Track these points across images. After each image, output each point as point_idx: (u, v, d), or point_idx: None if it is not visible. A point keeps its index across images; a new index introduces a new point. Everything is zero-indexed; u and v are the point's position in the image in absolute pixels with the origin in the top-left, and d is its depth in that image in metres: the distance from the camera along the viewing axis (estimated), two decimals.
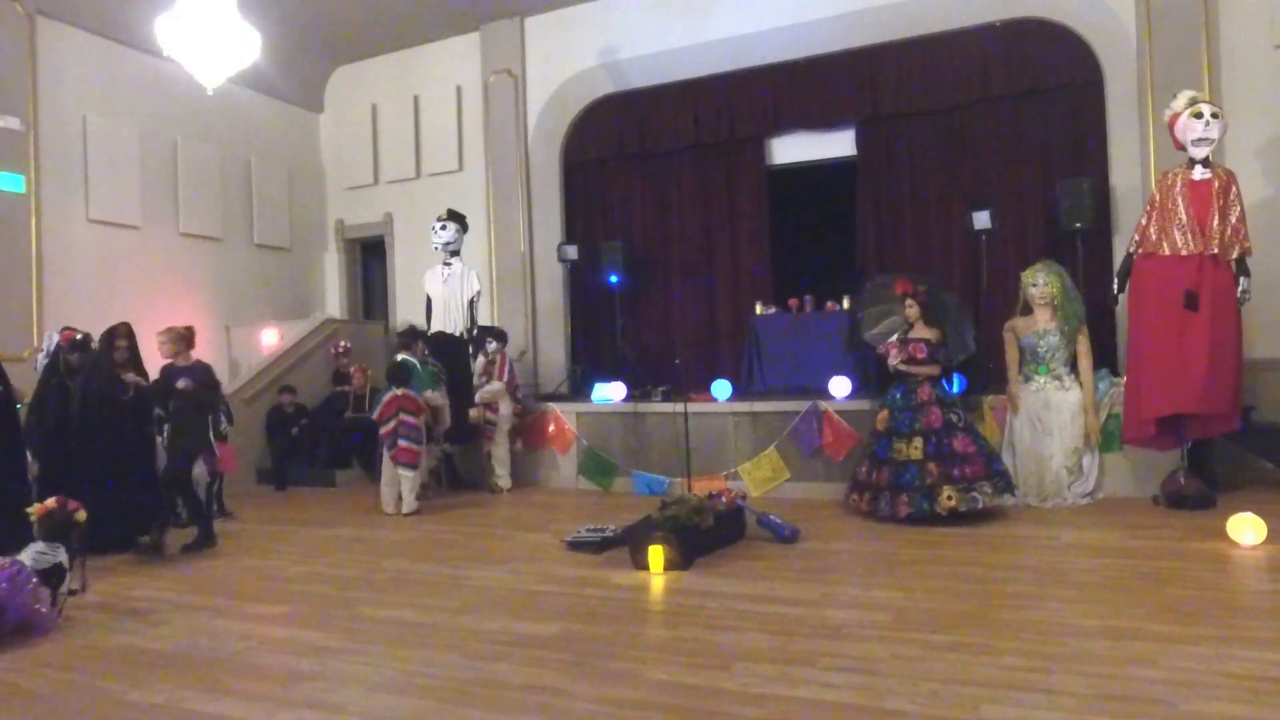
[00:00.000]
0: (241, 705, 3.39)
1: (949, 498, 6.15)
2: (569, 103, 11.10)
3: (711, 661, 3.64)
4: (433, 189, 11.63)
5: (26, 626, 4.28)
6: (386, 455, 7.68)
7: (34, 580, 4.35)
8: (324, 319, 11.48)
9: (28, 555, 4.54)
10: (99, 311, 8.83)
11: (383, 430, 7.64)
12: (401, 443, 7.56)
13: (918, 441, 6.39)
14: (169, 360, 6.80)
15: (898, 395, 6.65)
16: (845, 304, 9.18)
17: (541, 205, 11.24)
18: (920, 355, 6.63)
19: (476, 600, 4.78)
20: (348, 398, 10.16)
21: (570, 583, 5.10)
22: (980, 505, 6.22)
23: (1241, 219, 6.42)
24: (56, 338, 7.34)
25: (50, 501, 4.84)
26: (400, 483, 7.64)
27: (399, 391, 7.67)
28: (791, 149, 10.43)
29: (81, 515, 4.82)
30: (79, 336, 6.79)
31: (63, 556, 4.62)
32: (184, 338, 6.89)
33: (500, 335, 9.19)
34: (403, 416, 7.58)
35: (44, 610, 4.36)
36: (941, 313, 7.12)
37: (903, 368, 6.65)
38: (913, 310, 6.82)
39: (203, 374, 6.76)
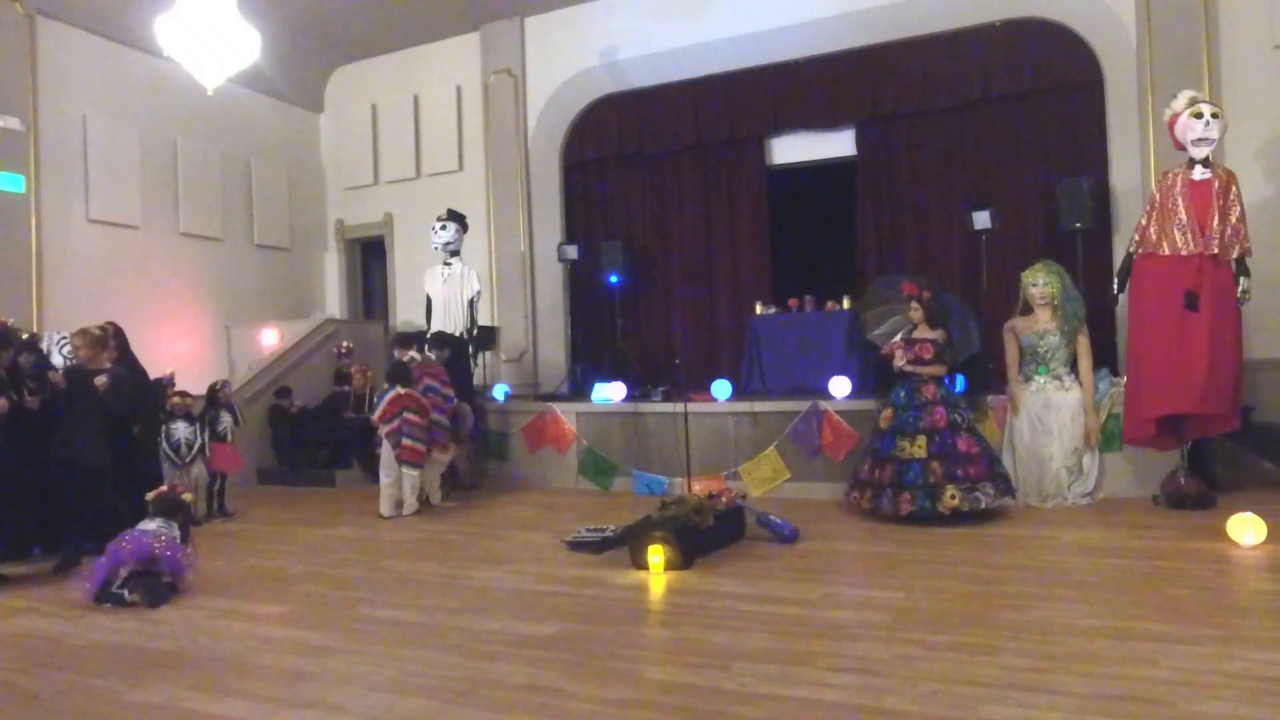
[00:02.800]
0: (241, 705, 3.39)
1: (952, 496, 6.15)
2: (569, 103, 11.11)
3: (711, 661, 3.64)
4: (433, 189, 11.65)
5: (176, 580, 5.08)
6: (389, 455, 7.63)
7: (177, 543, 5.20)
8: (324, 319, 11.48)
9: (151, 526, 5.23)
10: (99, 311, 8.82)
11: (386, 429, 7.59)
12: (406, 441, 7.52)
13: (921, 440, 6.39)
14: (83, 363, 6.25)
15: (902, 394, 6.65)
16: (845, 304, 9.19)
17: (541, 205, 11.25)
18: (927, 355, 6.63)
19: (476, 600, 4.78)
20: (348, 398, 10.16)
21: (570, 583, 5.10)
22: (983, 505, 6.22)
23: (1241, 219, 6.41)
24: (56, 337, 7.34)
25: (163, 487, 5.67)
26: (402, 483, 7.61)
27: (402, 390, 7.65)
28: (791, 149, 10.44)
29: (189, 496, 5.72)
30: (25, 337, 6.70)
31: (176, 531, 5.32)
32: (99, 341, 6.36)
33: (412, 340, 8.56)
34: (407, 415, 7.56)
35: (187, 566, 5.21)
36: (946, 313, 7.12)
37: (909, 368, 6.65)
38: (917, 313, 6.82)
39: (118, 380, 6.29)
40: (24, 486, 5.93)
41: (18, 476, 5.86)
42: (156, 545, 5.06)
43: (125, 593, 4.84)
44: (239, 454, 8.28)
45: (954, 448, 6.33)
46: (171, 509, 5.40)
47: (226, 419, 8.10)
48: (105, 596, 4.85)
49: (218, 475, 7.88)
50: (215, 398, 8.05)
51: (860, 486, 6.67)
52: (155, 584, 4.91)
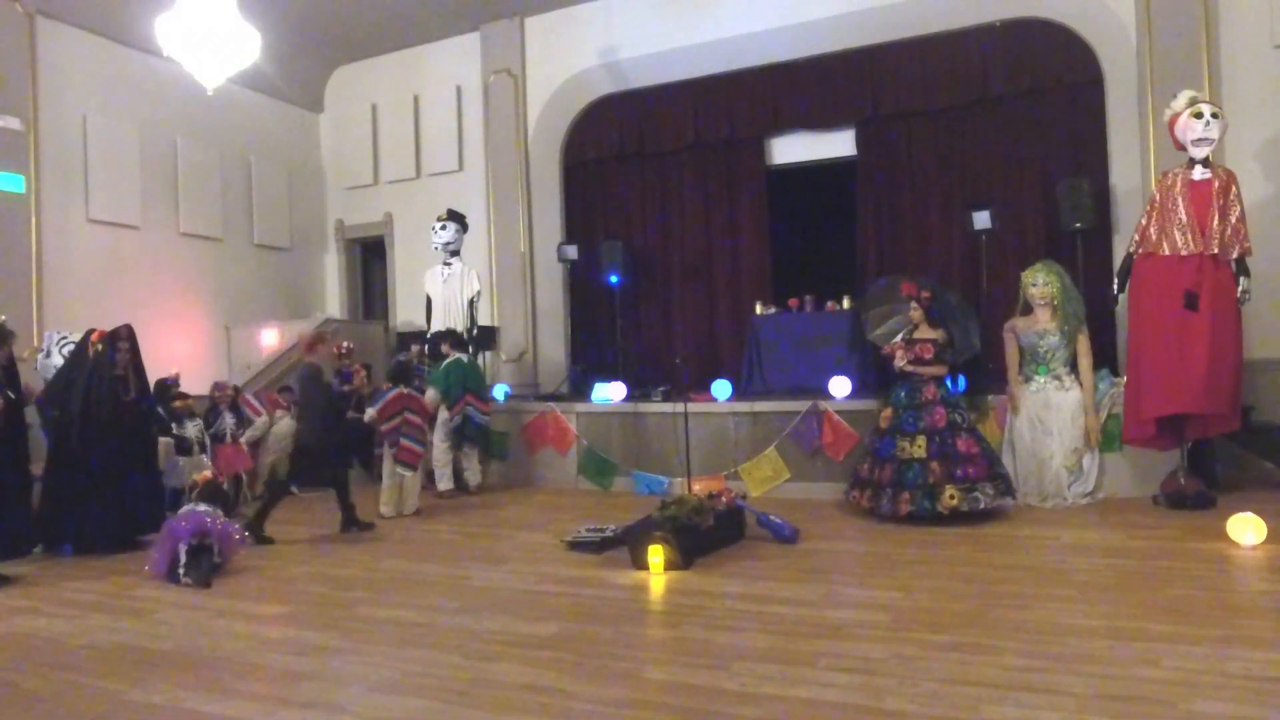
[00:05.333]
0: (241, 705, 3.39)
1: (951, 496, 6.15)
2: (569, 103, 11.10)
3: (711, 661, 3.64)
4: (433, 189, 11.64)
5: (224, 554, 5.55)
6: (388, 454, 7.64)
7: (227, 523, 5.74)
8: (324, 319, 11.47)
9: (201, 508, 5.77)
10: (99, 311, 8.81)
11: (385, 428, 7.59)
12: (404, 442, 7.52)
13: (921, 440, 6.40)
14: (310, 361, 7.32)
15: (902, 394, 6.65)
16: (845, 304, 9.19)
17: (541, 205, 11.24)
18: (927, 356, 6.64)
19: (476, 600, 4.78)
20: (349, 398, 10.13)
21: (570, 583, 5.10)
22: (982, 505, 6.22)
23: (1241, 219, 6.41)
24: (56, 337, 7.36)
25: (207, 473, 6.55)
26: (403, 483, 7.61)
27: (404, 390, 7.66)
28: (791, 149, 10.43)
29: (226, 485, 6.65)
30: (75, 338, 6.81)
31: (220, 515, 5.82)
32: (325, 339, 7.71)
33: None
34: (407, 415, 7.56)
35: (236, 543, 5.78)
36: (946, 313, 7.12)
37: (909, 369, 6.65)
38: (916, 313, 6.83)
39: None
40: (23, 483, 5.94)
41: (18, 473, 5.87)
42: (209, 520, 5.57)
43: (181, 573, 5.26)
44: (244, 454, 8.27)
45: (954, 448, 6.34)
46: (214, 496, 6.07)
47: (228, 420, 8.10)
48: (173, 578, 5.26)
49: (228, 476, 7.88)
50: (214, 399, 8.06)
51: (860, 486, 6.67)
52: (204, 562, 5.34)
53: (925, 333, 6.77)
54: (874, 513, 6.49)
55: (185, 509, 5.87)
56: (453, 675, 3.62)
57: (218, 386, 8.49)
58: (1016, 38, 8.96)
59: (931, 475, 6.26)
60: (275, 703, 3.40)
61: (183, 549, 5.31)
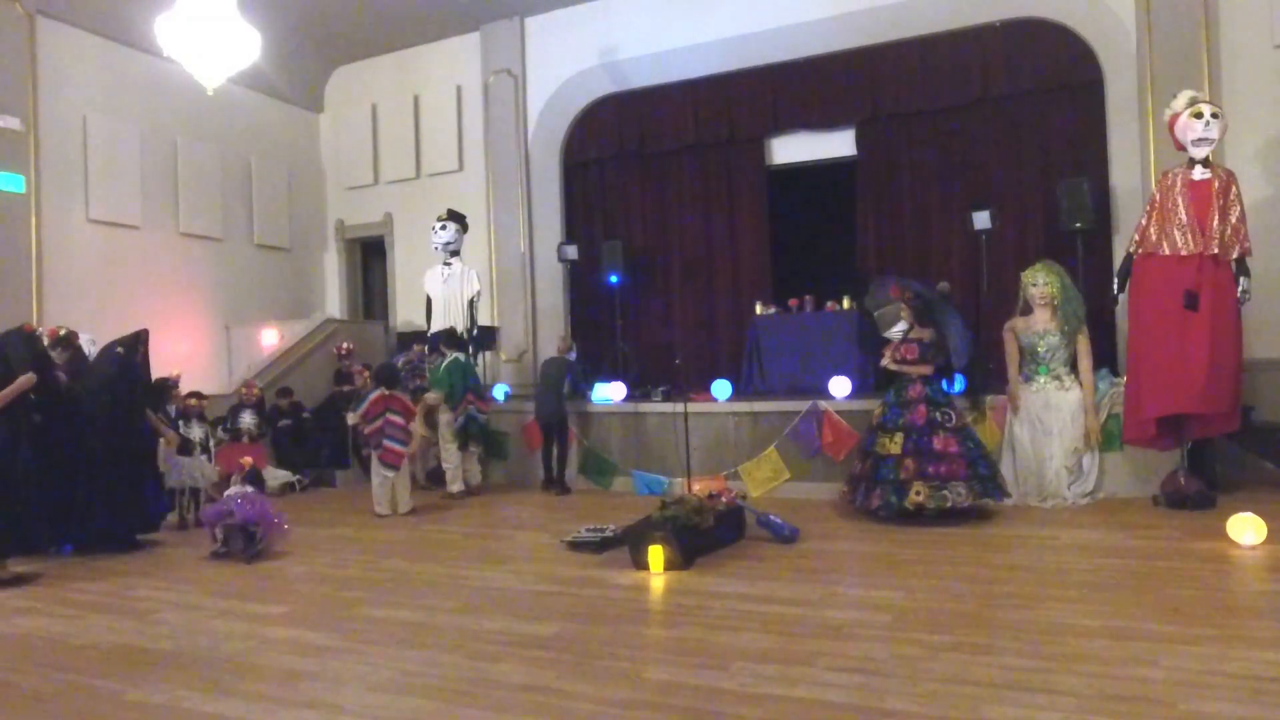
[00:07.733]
0: (241, 705, 3.39)
1: (917, 493, 6.17)
2: (569, 103, 11.10)
3: (711, 661, 3.64)
4: (433, 189, 11.64)
5: (273, 539, 6.13)
6: (374, 456, 7.66)
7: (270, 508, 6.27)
8: (324, 319, 11.48)
9: (249, 490, 6.51)
10: (99, 311, 8.85)
11: (368, 430, 7.61)
12: (387, 443, 7.54)
13: (898, 437, 6.45)
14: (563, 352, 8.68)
15: (891, 392, 6.74)
16: (845, 304, 9.18)
17: (541, 205, 11.24)
18: (911, 356, 6.69)
19: (476, 600, 4.78)
20: (349, 398, 10.14)
21: (570, 583, 5.10)
22: (950, 504, 6.18)
23: (1241, 219, 6.41)
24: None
25: (248, 459, 7.51)
26: (395, 482, 7.63)
27: (386, 392, 7.67)
28: (791, 149, 10.43)
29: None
30: (63, 333, 6.78)
31: (265, 499, 6.49)
32: (569, 340, 9.01)
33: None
34: (389, 416, 7.58)
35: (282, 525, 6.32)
36: (937, 314, 7.13)
37: (894, 368, 6.71)
38: (907, 314, 6.88)
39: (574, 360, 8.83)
40: (35, 481, 5.93)
41: (29, 471, 5.86)
42: (266, 506, 6.17)
43: (221, 546, 5.96)
44: (261, 451, 8.27)
45: (929, 445, 6.35)
46: (258, 479, 7.06)
47: (249, 419, 8.13)
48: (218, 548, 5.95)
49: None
50: (240, 396, 8.12)
51: (849, 481, 6.73)
52: (246, 543, 5.94)
53: (915, 333, 6.82)
54: (854, 506, 6.56)
55: (236, 490, 6.44)
56: (453, 675, 3.62)
57: (246, 385, 8.51)
58: (1016, 38, 8.97)
59: (904, 471, 6.30)
60: (275, 703, 3.40)
61: (235, 525, 5.95)
